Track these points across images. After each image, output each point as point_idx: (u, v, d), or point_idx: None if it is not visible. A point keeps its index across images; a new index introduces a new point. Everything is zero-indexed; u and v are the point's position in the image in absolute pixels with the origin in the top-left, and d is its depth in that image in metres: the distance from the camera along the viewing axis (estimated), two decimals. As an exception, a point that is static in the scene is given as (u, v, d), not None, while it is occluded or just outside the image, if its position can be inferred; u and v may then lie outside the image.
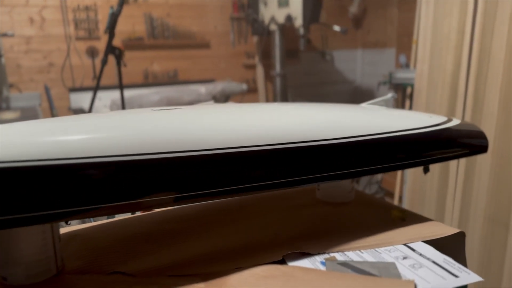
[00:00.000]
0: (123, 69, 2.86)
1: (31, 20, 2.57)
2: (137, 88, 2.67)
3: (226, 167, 0.55)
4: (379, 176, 3.14)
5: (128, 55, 2.85)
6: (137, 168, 0.48)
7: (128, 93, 2.16)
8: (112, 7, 1.54)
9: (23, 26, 2.56)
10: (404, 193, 2.11)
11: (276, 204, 0.81)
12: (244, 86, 2.89)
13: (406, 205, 2.09)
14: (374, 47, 3.69)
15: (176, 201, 0.51)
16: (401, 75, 2.67)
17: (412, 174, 2.03)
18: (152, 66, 2.93)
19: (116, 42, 2.77)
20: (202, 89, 2.36)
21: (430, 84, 1.88)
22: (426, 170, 0.77)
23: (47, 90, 2.65)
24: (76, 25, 2.68)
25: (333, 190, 0.82)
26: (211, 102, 2.35)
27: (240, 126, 0.59)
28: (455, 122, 0.78)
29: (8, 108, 2.16)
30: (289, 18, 2.29)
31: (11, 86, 2.47)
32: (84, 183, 0.45)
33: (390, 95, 0.81)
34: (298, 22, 2.27)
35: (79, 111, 2.42)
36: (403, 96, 2.75)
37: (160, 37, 2.89)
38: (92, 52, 2.74)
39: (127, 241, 0.65)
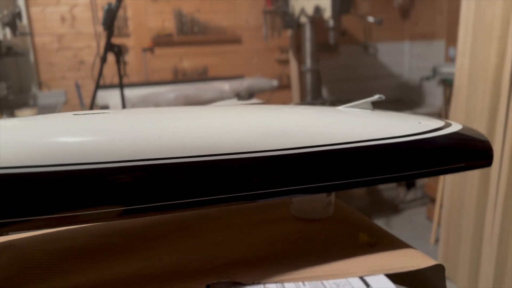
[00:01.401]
0: (152, 66, 2.90)
1: (63, 19, 2.67)
2: (165, 85, 2.68)
3: (155, 179, 0.50)
4: (424, 180, 2.94)
5: (157, 52, 2.89)
6: (61, 179, 0.45)
7: (144, 91, 2.18)
8: (110, 4, 1.54)
9: (55, 24, 2.67)
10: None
11: (240, 219, 0.74)
12: (275, 83, 2.81)
13: (443, 214, 1.92)
14: (422, 39, 3.46)
15: (121, 215, 0.48)
16: (447, 69, 2.46)
17: (451, 179, 1.86)
18: (182, 63, 2.95)
19: (146, 39, 2.82)
20: (225, 86, 2.32)
21: (471, 80, 1.70)
22: (408, 186, 0.67)
23: (77, 87, 2.74)
24: (106, 22, 2.74)
25: (305, 205, 0.74)
26: (234, 99, 2.31)
27: (166, 133, 0.53)
28: (452, 129, 0.67)
29: (35, 105, 2.25)
30: (317, 10, 2.18)
31: (40, 83, 2.59)
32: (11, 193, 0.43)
33: (376, 96, 0.71)
34: (327, 13, 2.16)
35: (105, 108, 2.48)
36: (450, 93, 2.54)
37: (190, 33, 2.89)
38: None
39: (58, 255, 0.62)
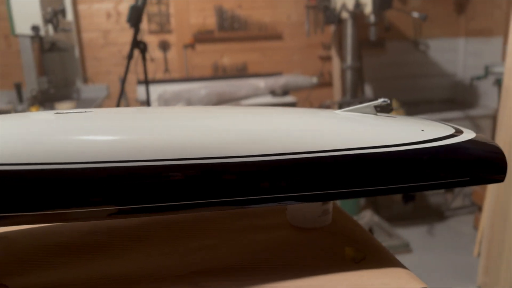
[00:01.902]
0: (193, 62, 2.94)
1: (108, 15, 2.78)
2: (203, 81, 2.71)
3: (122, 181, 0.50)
4: (471, 187, 2.76)
5: (198, 48, 2.93)
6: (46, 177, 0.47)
7: (180, 86, 2.21)
8: (137, 1, 1.57)
9: (101, 21, 2.78)
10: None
11: (234, 223, 0.73)
12: (314, 80, 2.76)
13: (486, 224, 1.79)
14: (478, 36, 3.24)
15: (110, 215, 0.49)
16: (501, 68, 2.28)
17: (496, 186, 1.72)
18: (222, 59, 2.96)
19: (187, 35, 2.86)
20: (261, 83, 2.30)
21: (521, 81, 1.57)
22: (406, 199, 0.61)
23: (121, 82, 2.84)
24: (149, 19, 2.81)
25: (300, 213, 0.71)
26: (269, 96, 2.29)
27: (121, 135, 0.52)
28: (461, 138, 0.61)
29: (78, 99, 2.36)
30: (357, 5, 2.10)
31: (85, 78, 2.71)
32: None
33: (380, 100, 0.66)
34: (368, 8, 2.07)
35: (144, 103, 2.55)
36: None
37: (230, 30, 2.90)
38: (164, 46, 2.86)
39: (44, 250, 0.63)
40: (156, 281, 0.53)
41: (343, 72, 2.52)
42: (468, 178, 0.58)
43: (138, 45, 1.61)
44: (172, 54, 2.89)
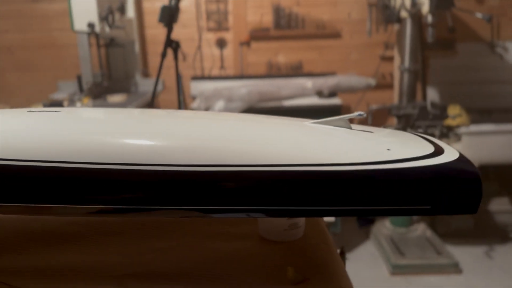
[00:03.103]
0: (248, 60, 2.97)
1: (170, 13, 2.90)
2: (257, 79, 2.73)
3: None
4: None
5: (253, 46, 2.95)
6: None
7: (229, 84, 2.23)
8: (171, 1, 1.60)
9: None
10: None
11: (204, 229, 0.73)
12: (371, 81, 2.65)
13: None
14: None
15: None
16: None
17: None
18: (277, 57, 2.95)
19: (243, 33, 2.90)
20: (308, 83, 2.26)
21: None
22: (361, 223, 0.57)
23: (178, 77, 2.96)
24: (208, 16, 2.89)
25: (267, 225, 0.69)
26: (315, 97, 2.24)
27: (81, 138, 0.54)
28: (435, 160, 0.55)
29: (135, 92, 2.51)
30: (414, 4, 1.97)
31: (145, 72, 2.85)
32: None
33: (355, 113, 0.62)
34: (425, 8, 1.93)
35: (195, 97, 2.63)
36: None
37: (287, 28, 2.88)
38: (221, 43, 2.92)
39: (20, 236, 0.68)
40: (91, 277, 0.56)
41: (401, 74, 2.39)
42: (429, 207, 0.52)
43: (171, 44, 1.66)
44: (228, 51, 2.95)
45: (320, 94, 2.20)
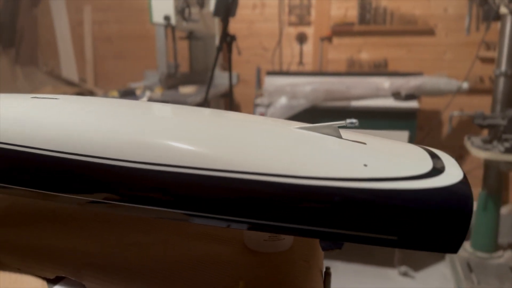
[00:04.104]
0: (329, 56, 2.87)
1: (254, 6, 2.92)
2: (336, 76, 2.63)
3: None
4: None
5: (335, 42, 2.84)
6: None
7: (306, 80, 2.17)
8: None
9: (247, 12, 2.94)
10: None
11: (181, 228, 0.71)
12: (465, 85, 2.39)
13: None
14: None
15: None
16: None
17: None
18: (359, 54, 2.81)
19: (325, 28, 2.81)
20: (385, 83, 2.10)
21: None
22: (324, 247, 0.51)
23: (257, 71, 2.97)
24: (290, 11, 2.85)
25: (248, 234, 0.66)
26: (391, 99, 2.09)
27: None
28: (420, 183, 0.47)
29: (214, 85, 2.58)
30: (513, -2, 1.71)
31: (224, 66, 2.92)
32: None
33: (347, 121, 0.56)
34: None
35: (271, 93, 2.62)
36: None
37: (372, 23, 2.72)
38: (301, 38, 2.87)
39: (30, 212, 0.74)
40: (62, 259, 0.58)
41: (496, 78, 2.12)
42: (396, 238, 0.45)
43: (226, 38, 1.66)
44: (308, 46, 2.88)
45: (396, 95, 2.03)
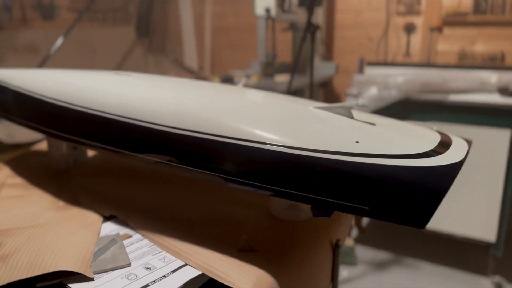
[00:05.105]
0: (438, 48, 2.68)
1: (361, -3, 2.87)
2: (447, 69, 2.47)
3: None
4: None
5: (446, 33, 2.66)
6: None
7: (411, 71, 2.08)
8: None
9: (355, 2, 2.90)
10: None
11: (223, 191, 0.81)
12: None
13: None
14: None
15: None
16: None
17: None
18: (472, 46, 2.58)
19: (435, 18, 2.64)
20: (492, 77, 1.91)
21: None
22: (315, 213, 0.56)
23: (360, 62, 2.93)
24: (399, 0, 2.74)
25: (272, 202, 0.74)
26: (496, 94, 1.91)
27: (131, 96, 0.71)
28: (408, 162, 0.52)
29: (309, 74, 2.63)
30: None
31: (326, 56, 2.93)
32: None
33: (358, 101, 0.60)
34: None
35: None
36: None
37: (490, 13, 2.47)
38: (409, 29, 2.74)
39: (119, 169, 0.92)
40: (114, 203, 0.73)
41: None
42: (367, 208, 0.49)
43: (309, 28, 1.68)
44: (416, 37, 2.74)
45: (503, 91, 1.85)
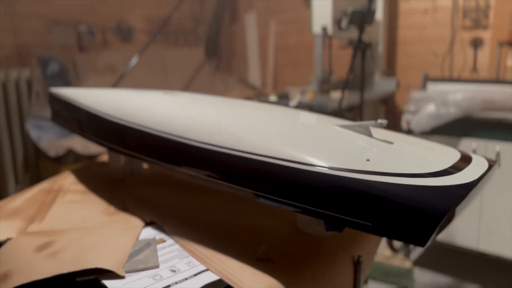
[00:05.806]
0: (508, 63, 2.50)
1: (425, 11, 2.78)
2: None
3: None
4: None
5: (518, 46, 2.48)
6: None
7: (476, 87, 1.98)
8: (363, 6, 1.56)
9: (418, 18, 2.82)
10: None
11: (256, 203, 0.84)
12: None
13: None
14: None
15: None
16: None
17: None
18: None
19: (505, 32, 2.49)
20: None
21: None
22: (327, 228, 0.57)
23: (424, 77, 2.83)
24: (464, 14, 2.62)
25: (299, 215, 0.76)
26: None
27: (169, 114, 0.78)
28: (416, 181, 0.52)
29: (369, 90, 2.59)
30: None
31: (386, 71, 2.86)
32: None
33: (378, 121, 0.62)
34: None
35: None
36: None
37: None
38: (475, 43, 2.60)
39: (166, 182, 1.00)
40: (156, 210, 0.79)
41: None
42: (370, 224, 0.50)
43: (359, 46, 1.66)
44: (483, 52, 2.59)
45: None
